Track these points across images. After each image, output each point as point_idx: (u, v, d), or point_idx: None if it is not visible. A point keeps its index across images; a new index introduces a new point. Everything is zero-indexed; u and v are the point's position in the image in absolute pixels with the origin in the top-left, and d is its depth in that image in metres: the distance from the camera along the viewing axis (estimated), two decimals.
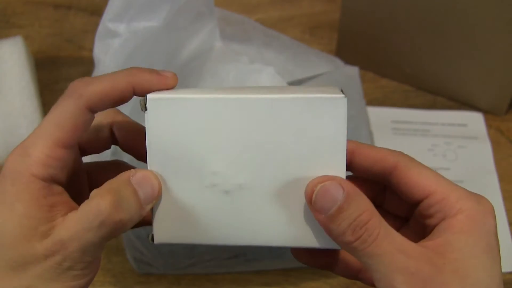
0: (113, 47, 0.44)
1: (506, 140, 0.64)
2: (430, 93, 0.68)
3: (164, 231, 0.29)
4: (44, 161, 0.26)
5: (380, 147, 0.29)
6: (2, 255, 0.26)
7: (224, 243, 0.29)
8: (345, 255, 0.31)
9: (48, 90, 0.66)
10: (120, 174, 0.28)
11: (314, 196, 0.26)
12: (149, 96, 0.28)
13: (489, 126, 0.65)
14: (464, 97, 0.67)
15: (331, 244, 0.28)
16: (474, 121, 0.65)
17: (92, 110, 0.27)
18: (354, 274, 0.31)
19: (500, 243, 0.57)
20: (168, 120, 0.28)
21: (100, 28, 0.45)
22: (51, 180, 0.27)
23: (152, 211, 0.29)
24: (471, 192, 0.27)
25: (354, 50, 0.69)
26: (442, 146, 0.62)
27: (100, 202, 0.26)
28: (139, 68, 0.28)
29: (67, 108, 0.27)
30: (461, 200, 0.26)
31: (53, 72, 0.70)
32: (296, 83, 0.54)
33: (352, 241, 0.25)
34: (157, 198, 0.28)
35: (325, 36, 0.75)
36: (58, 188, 0.27)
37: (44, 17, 0.77)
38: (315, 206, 0.26)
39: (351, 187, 0.26)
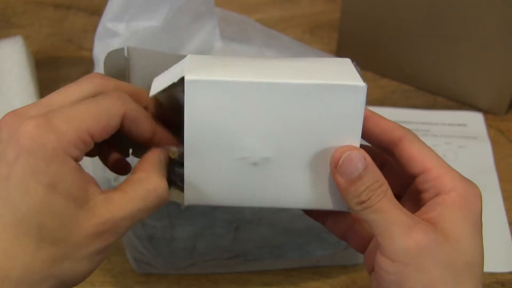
0: (113, 47, 0.44)
1: (506, 140, 0.64)
2: (430, 93, 0.68)
3: (194, 194, 0.32)
4: (76, 142, 0.26)
5: (390, 120, 0.32)
6: (48, 235, 0.25)
7: (248, 205, 0.32)
8: (337, 215, 0.35)
9: (48, 90, 0.65)
10: (152, 153, 0.31)
11: (340, 161, 0.29)
12: (186, 77, 0.29)
13: (489, 126, 0.65)
14: (464, 97, 0.67)
15: (343, 207, 0.32)
16: (474, 121, 0.65)
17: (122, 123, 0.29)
18: (341, 233, 0.35)
19: (500, 243, 0.57)
20: (203, 99, 0.30)
21: (100, 28, 0.45)
22: (77, 161, 0.27)
23: (184, 177, 0.32)
24: (463, 176, 0.30)
25: (354, 50, 0.69)
26: (442, 146, 0.62)
27: (158, 187, 0.29)
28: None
29: (108, 106, 0.28)
30: (455, 180, 0.30)
31: (53, 72, 0.70)
32: None
33: (365, 200, 0.29)
34: None
35: (325, 36, 0.75)
36: (81, 168, 0.28)
37: (44, 17, 0.77)
38: (340, 169, 0.29)
39: (370, 160, 0.29)
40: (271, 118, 0.30)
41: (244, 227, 0.47)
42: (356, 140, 0.31)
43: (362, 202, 0.29)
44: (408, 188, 0.33)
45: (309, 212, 0.35)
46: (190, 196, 0.32)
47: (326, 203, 0.32)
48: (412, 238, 0.28)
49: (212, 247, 0.48)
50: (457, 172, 0.30)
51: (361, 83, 0.30)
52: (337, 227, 0.35)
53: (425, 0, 0.62)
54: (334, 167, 0.30)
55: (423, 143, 0.31)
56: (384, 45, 0.67)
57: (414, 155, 0.30)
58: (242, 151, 0.31)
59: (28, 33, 0.74)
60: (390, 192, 0.29)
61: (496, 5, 0.58)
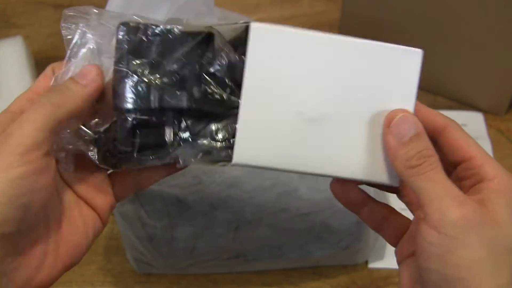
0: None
1: (506, 140, 0.64)
2: (430, 93, 0.68)
3: (245, 152, 0.31)
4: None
5: (432, 109, 0.33)
6: None
7: (298, 169, 0.31)
8: (373, 205, 0.34)
9: None
10: None
11: (394, 120, 0.30)
12: (252, 24, 0.30)
13: (489, 126, 0.65)
14: (464, 97, 0.67)
15: (392, 181, 0.31)
16: (474, 121, 0.65)
17: None
18: (376, 224, 0.35)
19: None
20: (267, 48, 0.30)
21: None
22: None
23: (236, 132, 0.31)
24: (503, 168, 0.31)
25: None
26: None
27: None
28: None
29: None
30: (498, 169, 0.30)
31: None
32: None
33: (417, 165, 0.28)
34: (96, 75, 0.31)
35: None
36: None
37: (44, 17, 0.77)
38: (392, 129, 0.30)
39: (423, 129, 0.29)
40: (330, 74, 0.30)
41: (244, 227, 0.47)
42: (410, 106, 0.31)
43: (412, 167, 0.29)
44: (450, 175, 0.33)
45: (346, 201, 0.34)
46: (239, 154, 0.31)
47: (376, 175, 0.31)
48: (463, 212, 0.27)
49: (212, 247, 0.48)
50: (499, 164, 0.30)
51: (418, 49, 0.31)
52: (372, 217, 0.35)
53: (425, 0, 0.62)
54: (387, 127, 0.30)
55: (466, 132, 0.31)
56: None
57: (458, 143, 0.31)
58: (300, 104, 0.30)
59: (28, 33, 0.74)
60: (441, 166, 0.29)
61: (496, 5, 0.58)
